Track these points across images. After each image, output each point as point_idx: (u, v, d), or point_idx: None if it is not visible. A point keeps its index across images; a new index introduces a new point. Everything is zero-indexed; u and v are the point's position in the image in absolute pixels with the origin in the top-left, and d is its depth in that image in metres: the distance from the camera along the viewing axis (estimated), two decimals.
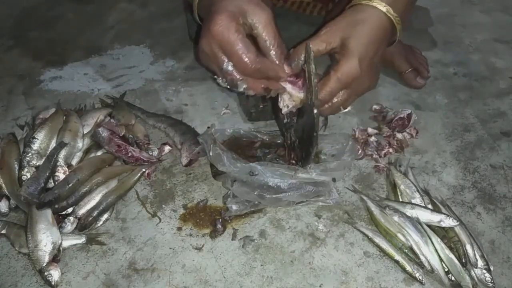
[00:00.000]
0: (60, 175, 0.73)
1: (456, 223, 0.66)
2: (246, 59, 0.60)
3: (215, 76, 0.65)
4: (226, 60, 0.61)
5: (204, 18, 0.65)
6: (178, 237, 0.70)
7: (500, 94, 0.98)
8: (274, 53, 0.63)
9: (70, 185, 0.71)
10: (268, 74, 0.63)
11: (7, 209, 0.72)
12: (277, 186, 0.70)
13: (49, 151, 0.76)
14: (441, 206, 0.71)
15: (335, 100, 0.66)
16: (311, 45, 0.61)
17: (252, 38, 0.63)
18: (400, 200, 0.73)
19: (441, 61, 1.08)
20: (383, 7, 0.63)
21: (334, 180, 0.72)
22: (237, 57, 0.60)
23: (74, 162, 0.77)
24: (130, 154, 0.77)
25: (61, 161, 0.74)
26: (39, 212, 0.68)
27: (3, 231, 0.69)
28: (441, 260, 0.64)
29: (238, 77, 0.62)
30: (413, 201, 0.71)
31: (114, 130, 0.80)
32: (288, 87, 0.67)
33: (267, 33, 0.62)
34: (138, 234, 0.70)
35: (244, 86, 0.63)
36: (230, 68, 0.62)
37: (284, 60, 0.64)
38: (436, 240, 0.66)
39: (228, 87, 0.64)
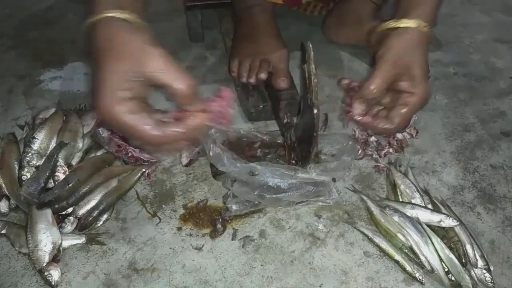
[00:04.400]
0: (60, 175, 0.73)
1: (456, 223, 0.66)
2: (143, 135, 0.50)
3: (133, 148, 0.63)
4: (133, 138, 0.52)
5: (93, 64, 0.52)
6: (178, 237, 0.70)
7: (500, 94, 0.98)
8: (187, 105, 0.53)
9: (70, 185, 0.71)
10: (181, 137, 0.53)
11: (7, 209, 0.71)
12: (277, 186, 0.70)
13: (49, 151, 0.76)
14: (441, 206, 0.71)
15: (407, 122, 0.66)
16: (371, 86, 0.61)
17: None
18: (400, 200, 0.73)
19: (441, 61, 1.08)
20: (423, 27, 0.62)
21: (334, 180, 0.72)
22: (134, 135, 0.51)
23: (74, 162, 0.77)
24: (130, 154, 0.77)
25: (61, 161, 0.74)
26: (39, 212, 0.67)
27: (3, 231, 0.69)
28: (441, 260, 0.64)
29: (151, 148, 0.56)
30: (413, 201, 0.71)
31: (114, 130, 0.80)
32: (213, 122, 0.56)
33: (178, 88, 0.51)
34: (138, 234, 0.70)
35: (161, 151, 0.58)
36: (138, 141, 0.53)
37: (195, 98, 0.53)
38: (436, 240, 0.66)
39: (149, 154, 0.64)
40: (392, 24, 0.64)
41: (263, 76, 0.85)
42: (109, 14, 0.51)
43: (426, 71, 0.64)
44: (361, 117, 0.65)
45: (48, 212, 0.68)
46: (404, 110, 0.63)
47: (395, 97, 0.64)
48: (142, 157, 0.78)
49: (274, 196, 0.69)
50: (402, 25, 0.63)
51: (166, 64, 0.50)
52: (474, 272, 0.63)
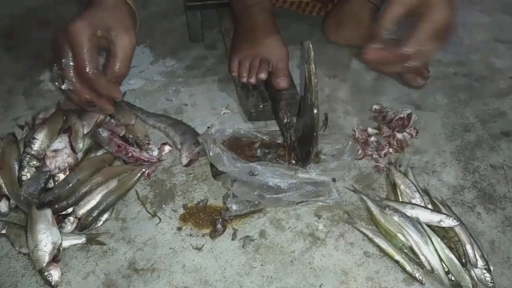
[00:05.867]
0: (60, 175, 0.73)
1: (456, 223, 0.66)
2: (86, 65, 0.65)
3: (55, 66, 0.69)
4: (70, 57, 0.66)
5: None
6: (178, 237, 0.70)
7: (500, 94, 0.98)
8: (116, 77, 0.69)
9: (70, 185, 0.71)
10: (98, 88, 0.68)
11: (7, 209, 0.71)
12: (277, 186, 0.70)
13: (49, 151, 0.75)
14: (441, 206, 0.71)
15: (426, 48, 0.66)
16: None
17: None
18: (400, 200, 0.73)
19: (441, 61, 1.08)
20: None
21: (334, 180, 0.72)
22: (79, 59, 0.66)
23: None
24: (130, 154, 0.77)
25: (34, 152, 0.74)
26: (39, 212, 0.67)
27: (3, 231, 0.69)
28: (441, 260, 0.64)
29: (70, 75, 0.67)
30: (413, 201, 0.71)
31: (114, 130, 0.80)
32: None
33: (122, 59, 0.68)
34: (138, 234, 0.70)
35: (70, 87, 0.68)
36: (69, 64, 0.67)
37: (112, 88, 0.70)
38: (436, 240, 0.66)
39: (56, 82, 0.69)
40: None
41: (263, 76, 0.85)
42: None
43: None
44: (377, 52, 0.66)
45: (48, 212, 0.68)
46: (418, 26, 0.64)
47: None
48: (142, 157, 0.78)
49: (274, 196, 0.70)
50: None
51: (131, 49, 0.69)
52: (474, 272, 0.63)
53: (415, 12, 0.66)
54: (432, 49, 0.68)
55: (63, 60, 0.66)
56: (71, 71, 0.67)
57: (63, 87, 0.68)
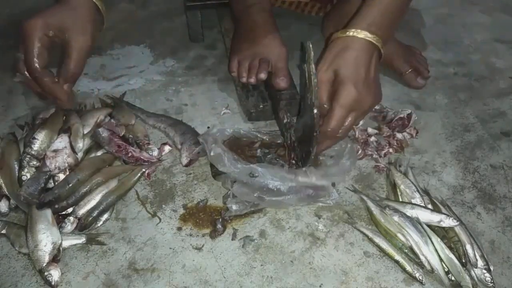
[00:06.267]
0: (60, 175, 0.73)
1: (456, 223, 0.66)
2: (32, 63, 0.71)
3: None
4: (22, 52, 0.72)
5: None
6: (178, 237, 0.70)
7: (500, 94, 0.98)
8: (69, 77, 0.74)
9: (70, 185, 0.71)
10: (42, 87, 0.74)
11: (7, 209, 0.71)
12: (277, 188, 0.69)
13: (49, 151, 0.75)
14: (441, 206, 0.71)
15: (345, 124, 0.69)
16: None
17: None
18: (400, 200, 0.73)
19: (441, 61, 1.08)
20: (360, 34, 0.68)
21: (333, 185, 0.72)
22: (27, 56, 0.71)
23: None
24: (130, 154, 0.77)
25: (34, 152, 0.74)
26: (39, 212, 0.68)
27: (3, 231, 0.69)
28: (441, 260, 0.64)
29: (20, 68, 0.74)
30: (413, 201, 0.71)
31: (114, 130, 0.80)
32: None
33: (75, 59, 0.73)
34: (138, 234, 0.70)
35: (20, 79, 0.75)
36: (20, 58, 0.73)
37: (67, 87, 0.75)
38: (436, 240, 0.66)
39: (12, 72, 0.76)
40: (341, 34, 0.70)
41: (263, 76, 0.85)
42: None
43: (358, 75, 0.68)
44: None
45: (48, 212, 0.68)
46: (329, 114, 0.68)
47: None
48: (142, 157, 0.78)
49: (274, 198, 0.69)
50: (350, 34, 0.69)
51: (85, 52, 0.73)
52: (474, 272, 0.63)
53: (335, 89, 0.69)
54: (355, 119, 0.70)
55: (17, 54, 0.72)
56: (21, 65, 0.73)
57: (15, 79, 0.74)
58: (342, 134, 0.70)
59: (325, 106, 0.69)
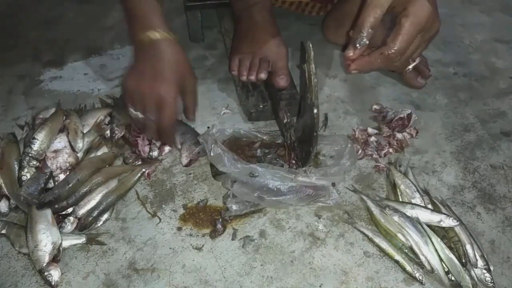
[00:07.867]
0: (61, 175, 0.73)
1: (456, 223, 0.66)
2: (166, 120, 0.69)
3: (131, 107, 0.71)
4: (150, 110, 0.69)
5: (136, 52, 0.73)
6: (178, 237, 0.70)
7: (500, 94, 0.98)
8: (188, 116, 0.74)
9: (70, 185, 0.71)
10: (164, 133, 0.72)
11: (7, 209, 0.71)
12: (277, 188, 0.69)
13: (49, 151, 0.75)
14: (441, 206, 0.71)
15: (411, 47, 0.64)
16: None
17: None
18: (400, 200, 0.73)
19: (441, 61, 1.08)
20: None
21: (333, 185, 0.72)
22: (162, 116, 0.68)
23: None
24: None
25: (34, 153, 0.74)
26: (39, 212, 0.68)
27: (3, 231, 0.69)
28: (441, 260, 0.64)
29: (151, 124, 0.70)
30: (413, 201, 0.71)
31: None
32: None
33: (190, 99, 0.73)
34: (138, 234, 0.70)
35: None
36: (151, 117, 0.69)
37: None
38: (436, 240, 0.66)
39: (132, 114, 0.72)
40: None
41: (263, 76, 0.85)
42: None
43: None
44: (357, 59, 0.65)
45: (48, 212, 0.68)
46: (397, 30, 0.62)
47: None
48: (142, 154, 0.79)
49: (274, 198, 0.69)
50: None
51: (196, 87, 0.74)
52: (474, 272, 0.63)
53: (393, 12, 0.64)
54: (418, 47, 0.65)
55: (146, 111, 0.69)
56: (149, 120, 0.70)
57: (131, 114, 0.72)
58: (401, 61, 0.65)
59: (370, 31, 0.63)
